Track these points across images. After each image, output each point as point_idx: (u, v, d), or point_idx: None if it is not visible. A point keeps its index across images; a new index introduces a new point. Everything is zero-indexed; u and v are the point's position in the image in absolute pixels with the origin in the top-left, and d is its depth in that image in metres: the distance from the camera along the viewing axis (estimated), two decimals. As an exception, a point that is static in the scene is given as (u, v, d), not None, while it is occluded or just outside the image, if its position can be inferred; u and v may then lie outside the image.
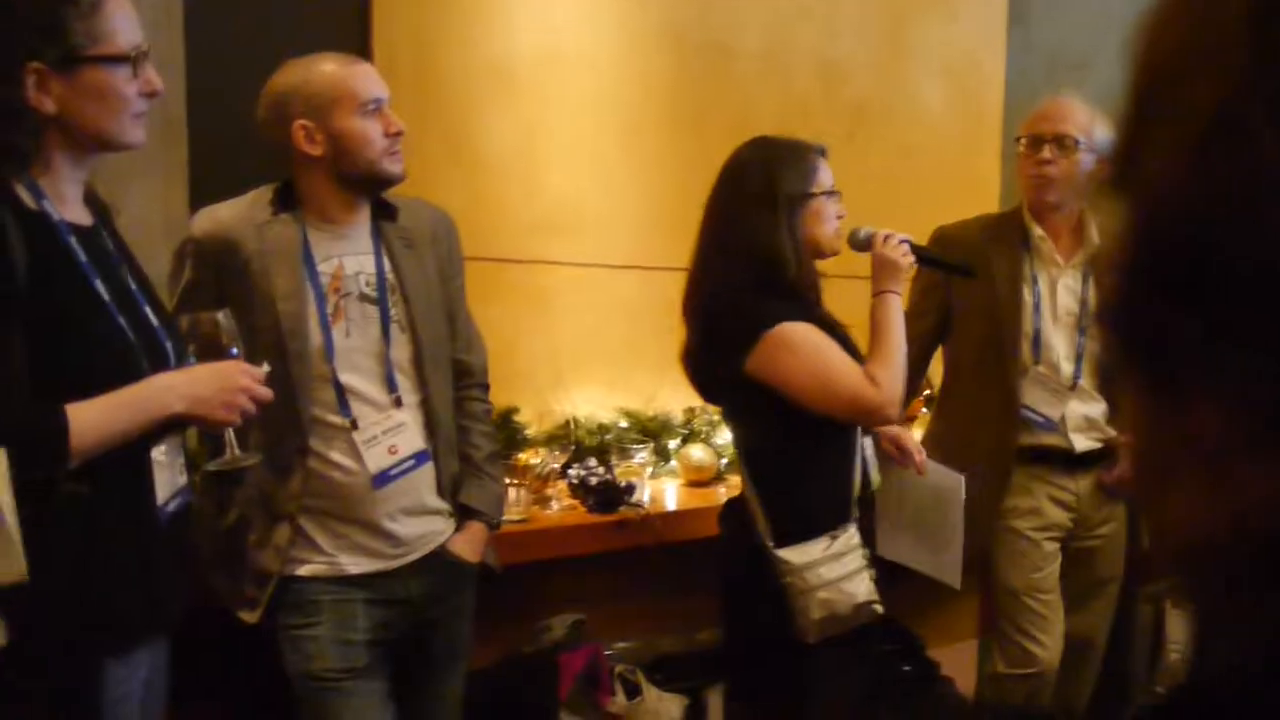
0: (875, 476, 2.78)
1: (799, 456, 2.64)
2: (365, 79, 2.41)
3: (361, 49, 3.18)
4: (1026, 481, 3.20)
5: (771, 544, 2.60)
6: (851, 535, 2.62)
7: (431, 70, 3.32)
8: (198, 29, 2.96)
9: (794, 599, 2.57)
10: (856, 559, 2.60)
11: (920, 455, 2.96)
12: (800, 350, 2.56)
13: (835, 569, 2.58)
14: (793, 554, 2.58)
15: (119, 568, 1.89)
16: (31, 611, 1.73)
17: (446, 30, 3.38)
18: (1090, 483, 3.22)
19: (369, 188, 2.45)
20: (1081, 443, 3.19)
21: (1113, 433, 3.21)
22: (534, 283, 3.51)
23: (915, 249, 2.73)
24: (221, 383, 1.96)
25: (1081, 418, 3.19)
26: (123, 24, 1.88)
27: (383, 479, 2.43)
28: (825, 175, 2.66)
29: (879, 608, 2.61)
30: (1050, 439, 3.19)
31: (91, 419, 1.78)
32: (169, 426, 1.93)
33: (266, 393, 2.02)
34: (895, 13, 4.02)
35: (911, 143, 4.03)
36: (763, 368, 2.56)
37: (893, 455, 2.97)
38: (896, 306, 2.67)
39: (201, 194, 2.81)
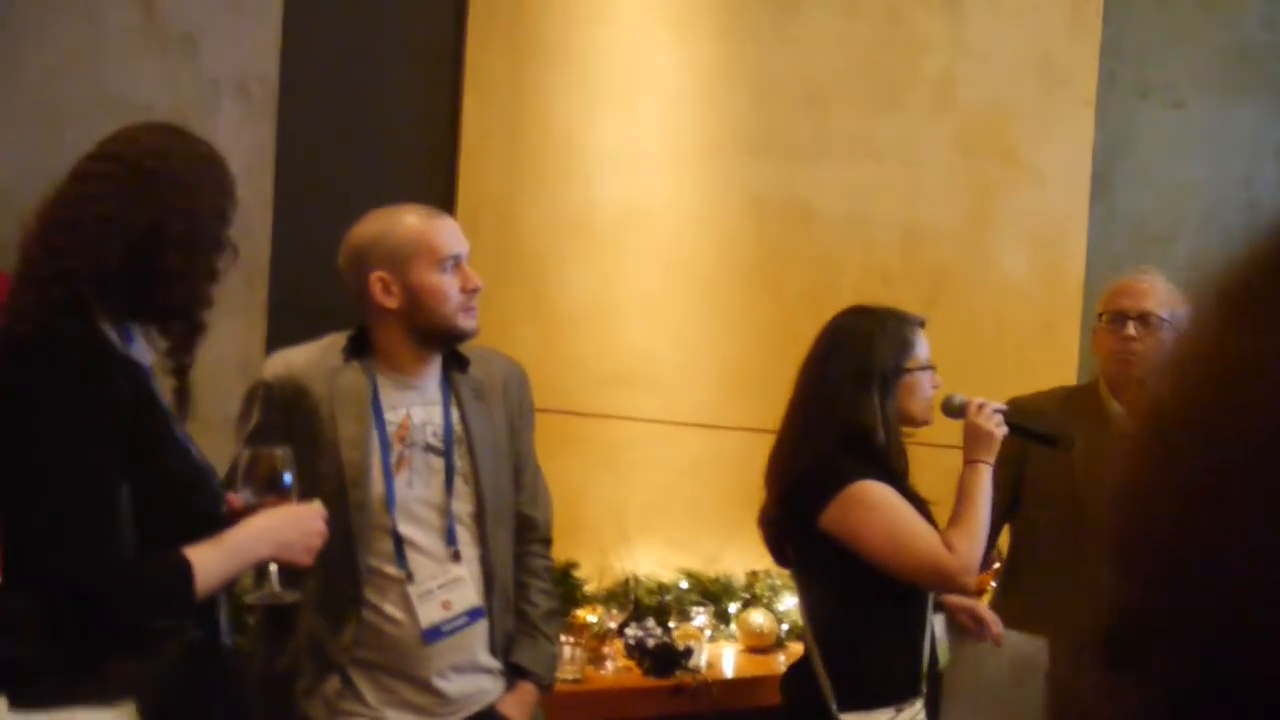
0: (944, 655, 2.70)
1: (867, 620, 2.59)
2: (446, 234, 2.44)
3: (446, 200, 3.25)
4: None
5: (835, 707, 2.53)
6: (918, 711, 2.55)
7: (513, 222, 3.38)
8: (287, 174, 3.05)
9: None
10: None
11: (997, 626, 2.88)
12: (878, 509, 2.54)
13: None
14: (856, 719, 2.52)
15: (196, 707, 1.90)
16: None
17: (530, 184, 3.44)
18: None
19: (441, 341, 2.47)
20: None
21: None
22: (604, 436, 3.51)
23: (1009, 419, 2.71)
24: (302, 525, 1.98)
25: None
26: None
27: (434, 634, 2.39)
28: (923, 349, 2.67)
29: None
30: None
31: (209, 563, 1.82)
32: None
33: (327, 533, 2.03)
34: (979, 179, 4.03)
35: (992, 311, 4.01)
36: (838, 523, 2.53)
37: (968, 627, 2.89)
38: (986, 477, 2.64)
39: (279, 336, 2.86)
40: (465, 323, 2.45)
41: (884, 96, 3.86)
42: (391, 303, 2.40)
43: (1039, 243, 4.12)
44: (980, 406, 2.68)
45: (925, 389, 2.65)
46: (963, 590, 2.68)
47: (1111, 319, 3.13)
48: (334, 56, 3.27)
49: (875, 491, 2.54)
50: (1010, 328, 4.02)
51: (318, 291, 2.88)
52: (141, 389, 1.89)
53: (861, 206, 3.85)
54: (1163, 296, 3.12)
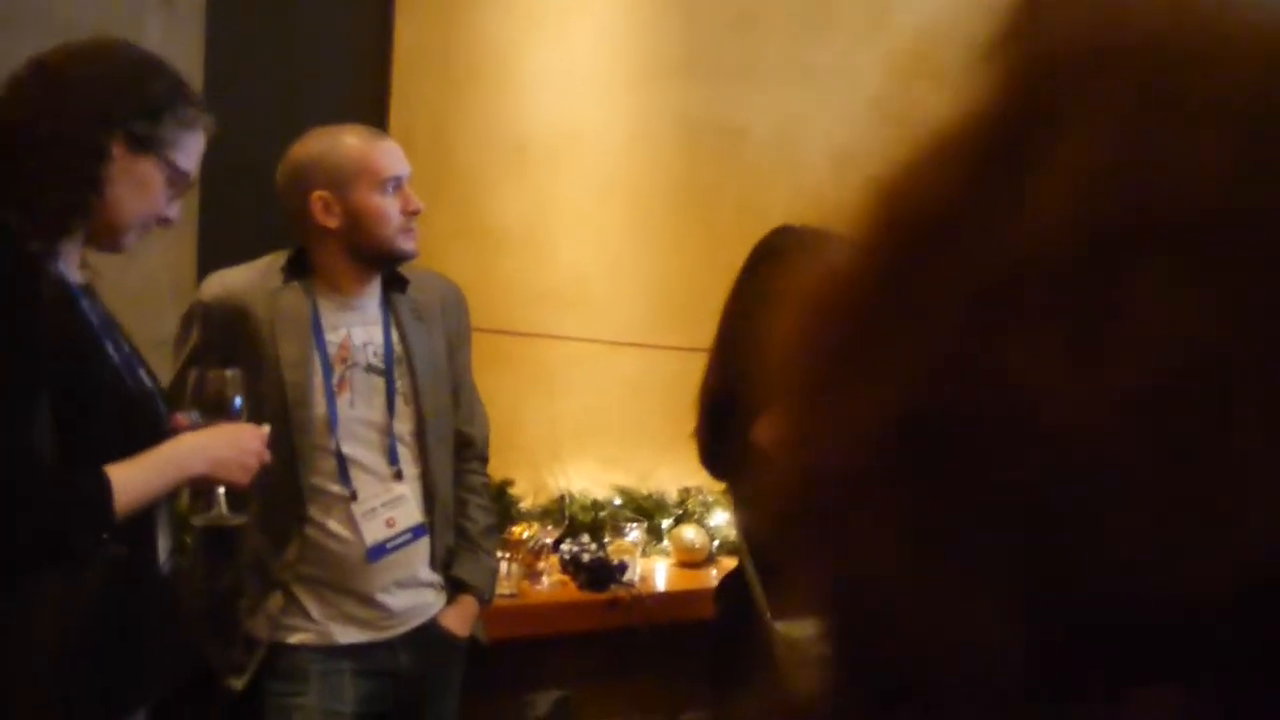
0: None
1: None
2: (388, 155, 2.44)
3: (379, 119, 3.23)
4: None
5: (769, 615, 2.62)
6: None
7: (446, 143, 3.37)
8: (216, 90, 3.00)
9: (786, 672, 2.58)
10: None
11: None
12: None
13: (810, 650, 2.57)
14: (790, 628, 2.61)
15: (126, 630, 1.90)
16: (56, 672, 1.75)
17: (463, 104, 3.42)
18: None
19: (381, 263, 2.48)
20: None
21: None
22: (537, 356, 3.53)
23: None
24: (240, 444, 1.98)
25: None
26: (195, 150, 1.97)
27: (378, 551, 2.44)
28: None
29: None
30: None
31: (130, 480, 1.81)
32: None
33: (267, 455, 2.04)
34: (912, 105, 4.06)
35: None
36: (767, 436, 2.59)
37: None
38: None
39: (209, 257, 2.84)
40: (405, 244, 2.46)
41: (816, 18, 3.87)
42: (332, 222, 2.41)
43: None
44: None
45: None
46: None
47: None
48: (264, -29, 3.22)
49: None
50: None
51: (249, 210, 2.86)
52: (65, 308, 1.86)
53: (792, 128, 3.87)
54: None
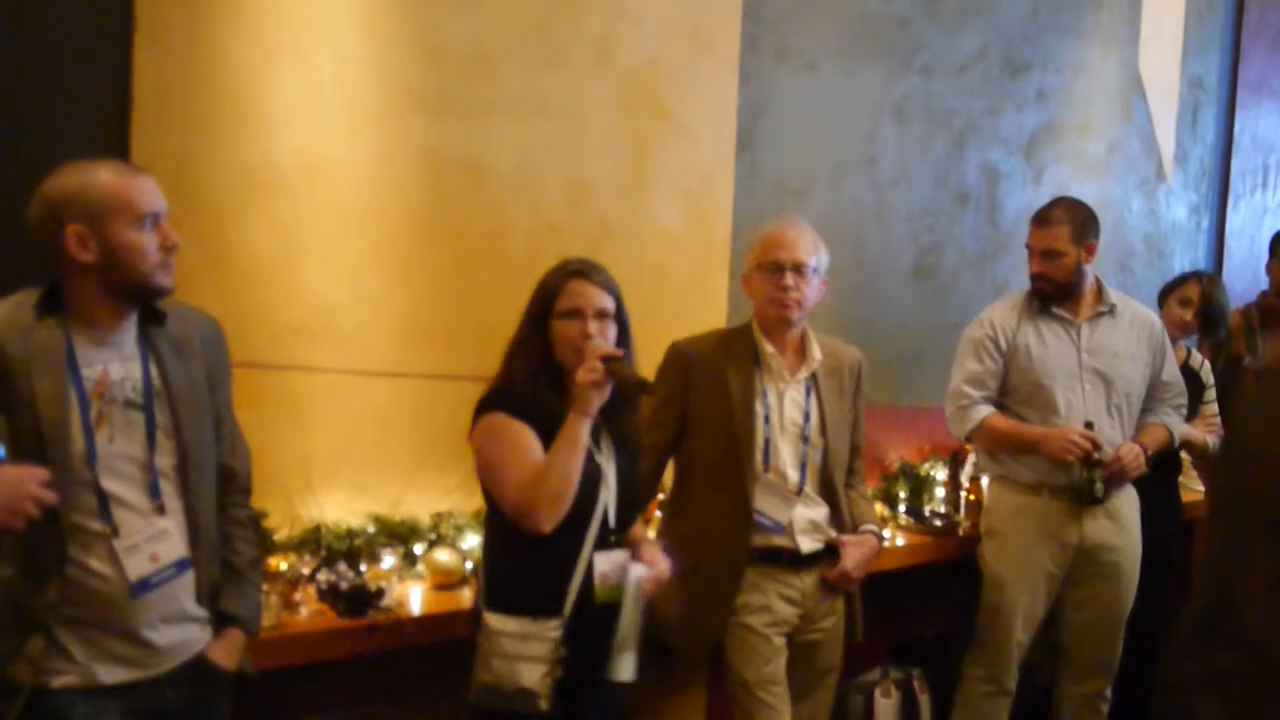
0: (604, 590, 2.83)
1: (508, 538, 2.83)
2: (145, 191, 2.43)
3: (121, 153, 3.20)
4: (758, 580, 3.43)
5: (485, 605, 2.82)
6: (552, 629, 2.76)
7: (190, 176, 3.35)
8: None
9: (476, 658, 2.79)
10: (542, 650, 2.74)
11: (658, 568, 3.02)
12: (492, 441, 2.81)
13: (517, 647, 2.75)
14: (492, 618, 2.79)
15: None
16: None
17: (206, 137, 3.41)
18: (814, 580, 3.49)
19: (138, 298, 2.47)
20: (806, 544, 3.46)
21: (833, 533, 3.50)
22: (286, 388, 3.55)
23: (610, 367, 2.78)
24: (11, 488, 1.95)
25: (806, 520, 3.46)
26: None
27: (143, 587, 2.42)
28: (572, 299, 2.88)
29: (544, 704, 2.73)
30: (779, 540, 3.44)
31: None
32: None
33: (51, 497, 2.02)
34: (637, 137, 4.27)
35: (650, 260, 4.28)
36: (475, 449, 2.85)
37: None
38: (575, 427, 2.75)
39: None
40: (163, 280, 2.47)
41: (548, 57, 4.03)
42: (88, 257, 2.39)
43: (691, 196, 4.42)
44: (586, 360, 2.78)
45: (569, 335, 2.84)
46: (530, 529, 2.75)
47: (768, 269, 3.45)
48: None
49: (495, 423, 2.80)
50: (666, 276, 4.31)
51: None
52: None
53: (530, 161, 4.01)
54: (810, 246, 3.48)
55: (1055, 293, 4.16)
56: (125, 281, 2.42)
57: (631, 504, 2.99)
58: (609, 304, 2.89)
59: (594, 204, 4.16)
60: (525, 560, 2.82)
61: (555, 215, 4.05)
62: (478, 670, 2.79)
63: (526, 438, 2.78)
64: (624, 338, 2.91)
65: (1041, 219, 4.21)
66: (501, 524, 2.84)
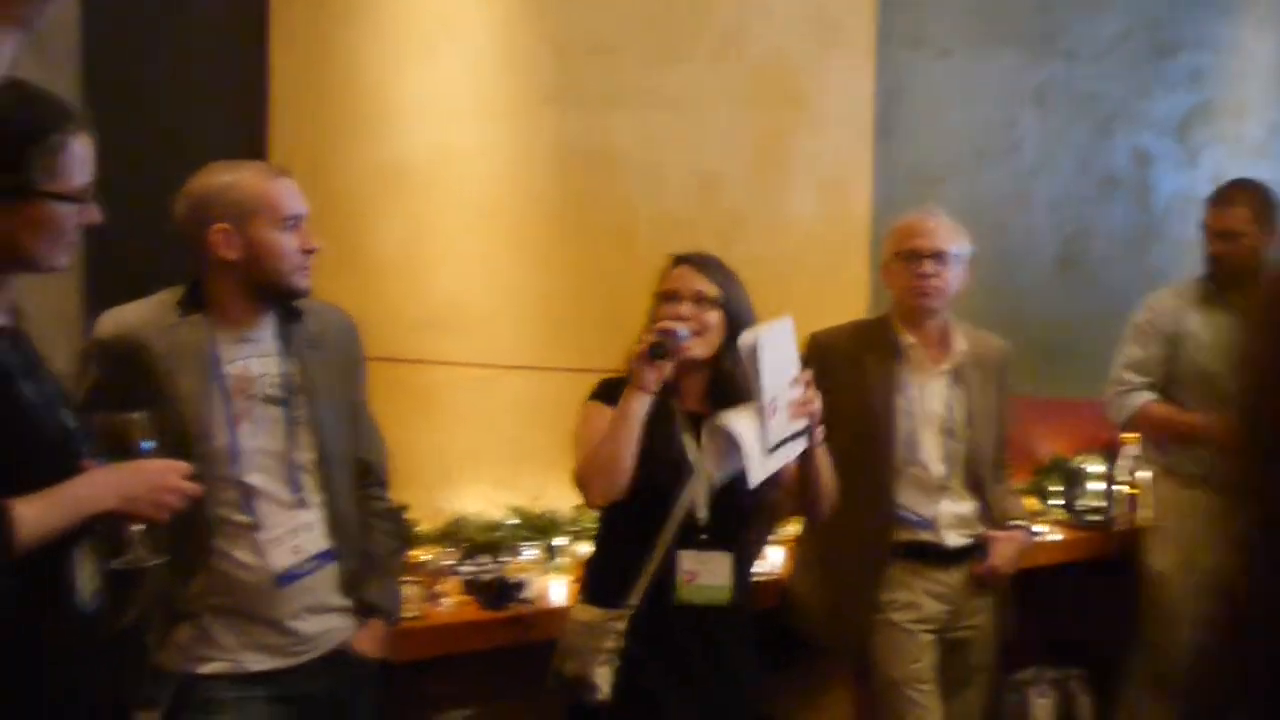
0: (688, 590, 2.76)
1: (606, 526, 2.90)
2: (289, 194, 2.48)
3: (258, 151, 3.26)
4: (903, 576, 3.34)
5: (580, 599, 2.87)
6: (618, 622, 2.73)
7: (324, 174, 3.39)
8: (97, 134, 2.99)
9: (557, 650, 2.81)
10: (606, 642, 2.72)
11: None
12: (582, 423, 2.82)
13: (585, 637, 2.75)
14: (575, 608, 2.85)
15: (41, 664, 1.89)
16: None
17: (338, 136, 3.47)
18: (962, 576, 3.38)
19: (276, 297, 2.51)
20: (953, 539, 3.36)
21: (981, 529, 3.39)
22: (420, 381, 3.58)
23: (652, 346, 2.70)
24: (153, 480, 1.98)
25: (953, 515, 3.36)
26: (80, 164, 1.93)
27: (287, 578, 2.46)
28: (670, 281, 2.85)
29: (602, 696, 2.70)
30: (924, 535, 3.35)
31: (34, 512, 1.80)
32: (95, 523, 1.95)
33: (196, 489, 2.05)
34: (767, 127, 4.22)
35: (783, 252, 4.21)
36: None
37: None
38: (632, 403, 2.69)
39: (95, 296, 2.82)
40: (300, 282, 2.51)
41: (675, 49, 4.01)
42: (231, 255, 2.43)
43: (825, 186, 4.35)
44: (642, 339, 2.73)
45: (658, 316, 2.78)
46: (586, 503, 2.81)
47: (906, 257, 3.36)
48: (138, 14, 3.22)
49: (584, 410, 2.83)
50: (802, 267, 4.24)
51: (134, 247, 2.84)
52: None
53: (658, 153, 3.99)
54: (949, 234, 3.38)
55: (1232, 276, 3.96)
56: (265, 281, 2.46)
57: (744, 509, 2.83)
58: (708, 289, 2.81)
59: (724, 196, 4.12)
60: (607, 551, 2.85)
61: (685, 207, 4.02)
62: (554, 659, 2.80)
63: (602, 418, 2.74)
64: (734, 327, 2.83)
65: (1220, 198, 4.02)
66: (601, 515, 2.87)
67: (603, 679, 2.70)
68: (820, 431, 2.79)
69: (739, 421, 2.63)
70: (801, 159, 4.28)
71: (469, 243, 3.67)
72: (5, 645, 1.84)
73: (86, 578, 1.96)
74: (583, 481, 2.72)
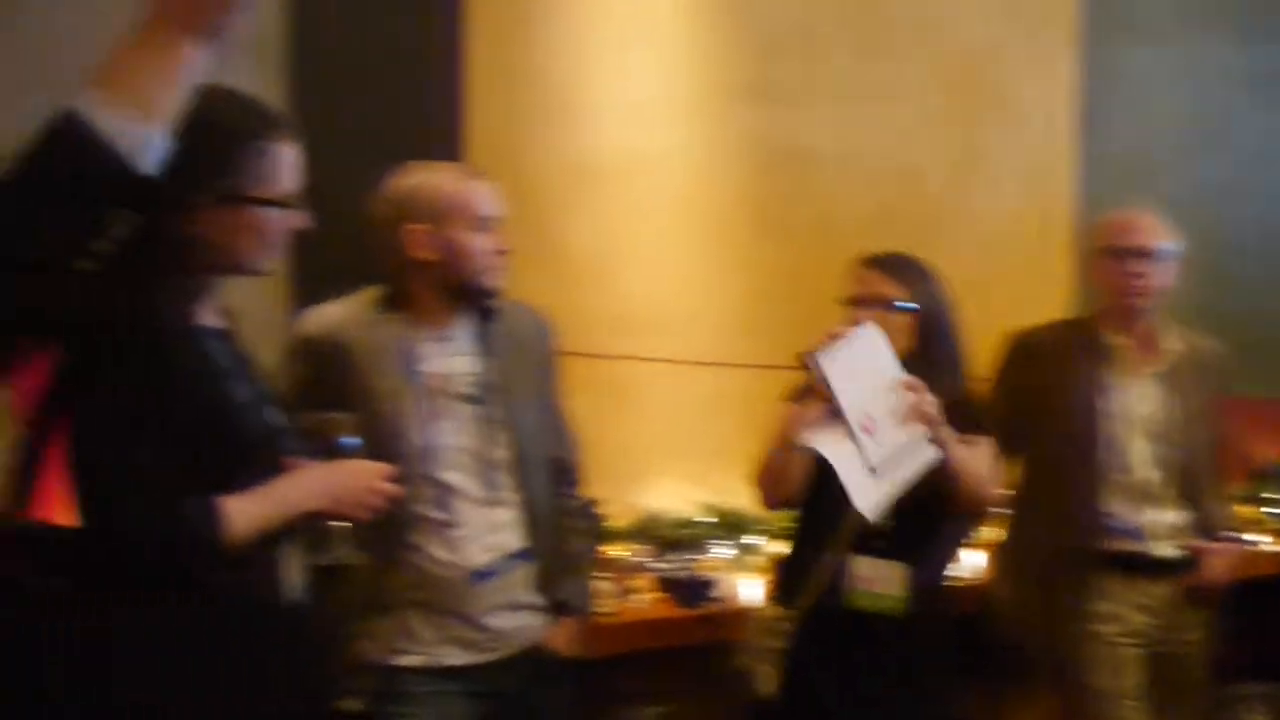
0: (863, 598, 2.73)
1: (795, 528, 2.91)
2: (484, 195, 2.51)
3: (455, 151, 3.30)
4: (1111, 587, 3.21)
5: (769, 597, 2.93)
6: (783, 622, 2.75)
7: (517, 170, 3.42)
8: (299, 131, 3.08)
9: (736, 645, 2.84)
10: (770, 641, 2.75)
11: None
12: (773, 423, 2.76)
13: (757, 635, 2.79)
14: (761, 607, 2.91)
15: (244, 659, 1.93)
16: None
17: (533, 132, 3.50)
18: (1173, 589, 3.23)
19: (470, 297, 2.53)
20: (1163, 549, 3.21)
21: (1193, 539, 3.23)
22: (614, 378, 3.59)
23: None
24: (358, 481, 2.02)
25: (1162, 524, 3.21)
26: (287, 170, 1.97)
27: (482, 575, 2.48)
28: (854, 285, 2.84)
29: (762, 692, 2.72)
30: (1133, 545, 3.20)
31: (245, 509, 1.84)
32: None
33: (397, 491, 2.08)
34: (967, 119, 4.11)
35: (983, 247, 4.10)
36: None
37: None
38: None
39: (299, 294, 2.90)
40: (494, 283, 2.53)
41: (871, 41, 3.93)
42: (427, 255, 2.47)
43: (1027, 179, 4.22)
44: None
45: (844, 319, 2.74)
46: (762, 504, 2.86)
47: (1114, 255, 3.23)
48: (341, 15, 3.30)
49: (778, 410, 2.77)
50: (1003, 262, 4.12)
51: (336, 247, 2.91)
52: (194, 353, 1.91)
53: (855, 147, 3.93)
54: (1159, 230, 3.24)
55: None
56: (458, 281, 2.49)
57: (925, 519, 2.73)
58: (890, 290, 2.75)
59: (922, 189, 4.04)
60: (793, 551, 2.88)
61: (882, 201, 3.94)
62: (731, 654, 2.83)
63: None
64: (931, 331, 2.76)
65: None
66: (794, 516, 2.89)
67: (766, 676, 2.71)
68: (946, 432, 2.62)
69: (829, 445, 2.52)
70: (1002, 152, 4.17)
71: (663, 239, 3.67)
72: (221, 641, 1.89)
73: (294, 574, 2.01)
74: (755, 485, 2.78)
